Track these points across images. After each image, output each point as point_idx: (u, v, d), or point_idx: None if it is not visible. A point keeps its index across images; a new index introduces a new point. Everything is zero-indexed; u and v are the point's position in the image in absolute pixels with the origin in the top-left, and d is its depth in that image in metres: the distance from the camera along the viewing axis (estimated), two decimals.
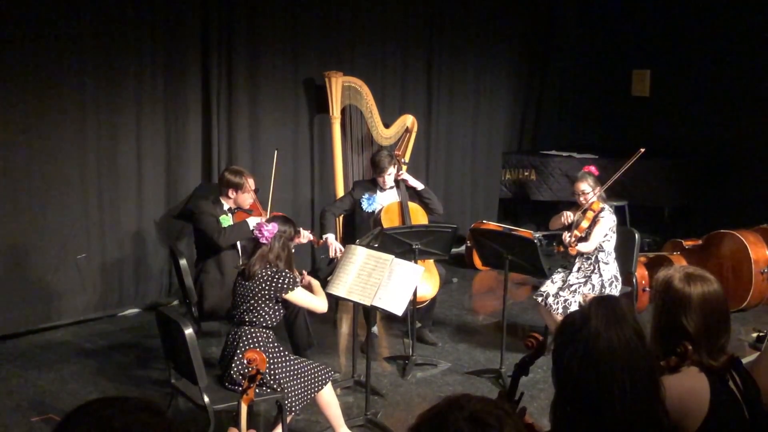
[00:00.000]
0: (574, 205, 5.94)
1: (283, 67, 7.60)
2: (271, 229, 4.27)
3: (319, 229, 6.35)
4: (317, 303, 4.43)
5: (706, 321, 2.52)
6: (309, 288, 4.51)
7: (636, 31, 10.00)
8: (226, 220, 5.56)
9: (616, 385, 2.01)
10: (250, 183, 5.64)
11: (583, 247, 5.65)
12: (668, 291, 2.58)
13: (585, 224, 5.69)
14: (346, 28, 8.03)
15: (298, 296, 4.31)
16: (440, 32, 8.89)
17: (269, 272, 4.23)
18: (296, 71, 7.71)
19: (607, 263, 5.70)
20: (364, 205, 6.27)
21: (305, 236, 5.52)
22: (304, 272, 4.74)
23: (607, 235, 5.68)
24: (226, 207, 5.62)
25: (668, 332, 2.55)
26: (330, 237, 6.12)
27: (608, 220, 5.67)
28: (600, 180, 5.86)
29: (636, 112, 10.06)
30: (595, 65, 10.34)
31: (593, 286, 5.66)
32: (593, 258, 5.72)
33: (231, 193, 5.59)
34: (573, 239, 5.61)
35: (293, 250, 5.26)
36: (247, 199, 5.64)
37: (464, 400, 1.61)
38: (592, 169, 5.91)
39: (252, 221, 5.45)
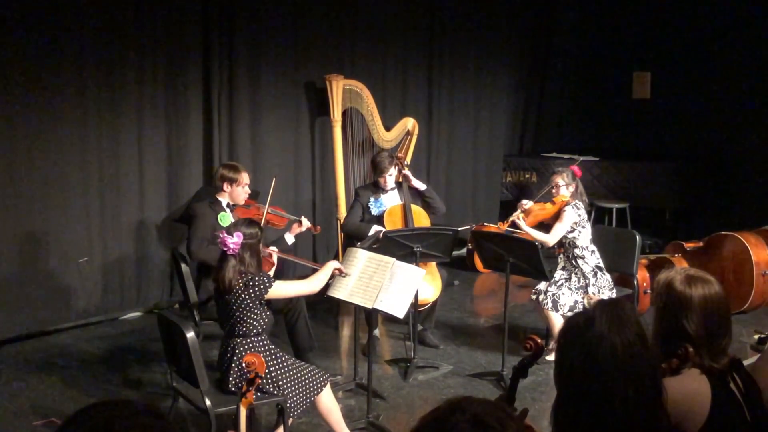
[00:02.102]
0: None
1: (284, 70, 7.61)
2: (236, 240, 4.13)
3: (358, 238, 6.11)
4: (300, 287, 4.43)
5: (707, 323, 2.52)
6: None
7: (637, 34, 10.01)
8: (226, 217, 5.57)
9: (618, 389, 2.01)
10: (245, 177, 5.68)
11: (541, 237, 5.77)
12: (669, 293, 2.58)
13: (536, 208, 5.84)
14: (347, 32, 8.04)
15: (280, 290, 4.28)
16: (441, 35, 8.90)
17: (243, 281, 4.14)
18: (297, 74, 7.72)
19: (583, 257, 5.81)
20: (373, 209, 6.26)
21: (305, 225, 5.56)
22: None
23: (575, 230, 5.79)
24: (224, 203, 5.64)
25: (669, 334, 2.55)
26: (375, 227, 6.06)
27: (570, 215, 5.77)
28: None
29: (637, 115, 10.07)
30: (595, 67, 10.35)
31: (577, 279, 5.80)
32: (570, 254, 5.86)
33: (226, 187, 5.62)
34: (516, 217, 5.77)
35: (292, 241, 5.26)
36: (241, 193, 5.67)
37: (466, 403, 1.61)
38: (575, 168, 6.02)
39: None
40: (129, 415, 1.49)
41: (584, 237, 5.82)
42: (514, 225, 5.82)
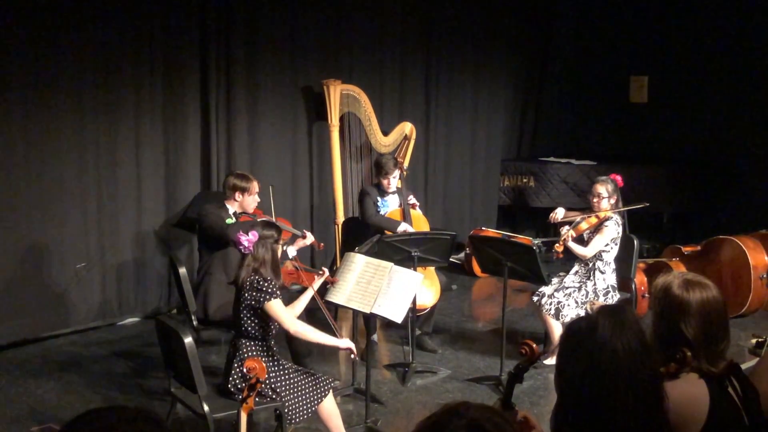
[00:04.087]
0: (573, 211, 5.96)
1: (281, 75, 7.62)
2: (251, 238, 4.19)
3: (388, 230, 6.11)
4: (286, 320, 4.22)
5: (705, 327, 2.52)
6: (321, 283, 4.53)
7: (634, 38, 10.02)
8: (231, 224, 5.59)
9: (620, 394, 2.01)
10: (255, 186, 5.70)
11: (580, 250, 5.68)
12: (667, 297, 2.59)
13: (584, 226, 5.69)
14: (344, 36, 8.05)
15: (275, 311, 4.17)
16: (438, 40, 8.91)
17: (249, 281, 4.18)
18: (295, 79, 7.72)
19: (603, 272, 5.72)
20: (380, 208, 6.28)
21: (309, 238, 5.58)
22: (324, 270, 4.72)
23: (608, 245, 5.70)
24: (231, 211, 5.65)
25: (667, 339, 2.55)
26: (406, 226, 6.07)
27: (612, 231, 5.67)
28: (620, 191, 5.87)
29: (634, 119, 10.08)
30: (593, 72, 10.36)
31: (587, 292, 5.69)
32: (591, 264, 5.74)
33: (237, 196, 5.63)
34: (567, 236, 5.60)
35: (294, 254, 5.26)
36: (251, 202, 5.69)
37: (463, 408, 1.61)
38: (618, 178, 5.90)
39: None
40: (127, 421, 1.50)
41: (612, 253, 5.73)
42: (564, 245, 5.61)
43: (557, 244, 5.60)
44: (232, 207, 5.66)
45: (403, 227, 6.06)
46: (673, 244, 7.54)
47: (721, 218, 8.84)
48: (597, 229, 5.72)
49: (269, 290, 4.16)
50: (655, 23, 9.86)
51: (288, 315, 4.28)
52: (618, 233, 5.71)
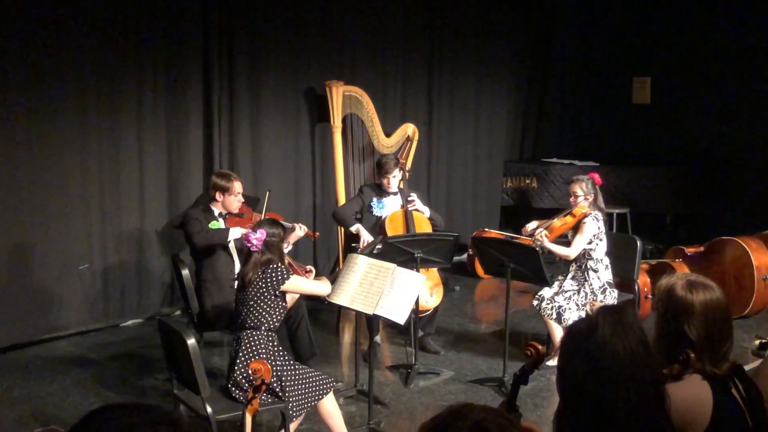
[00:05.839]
0: None
1: (284, 76, 7.62)
2: (260, 236, 4.30)
3: (342, 226, 6.37)
4: (317, 287, 4.59)
5: (708, 328, 2.52)
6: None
7: (636, 39, 10.03)
8: (217, 225, 5.58)
9: (622, 395, 2.00)
10: (237, 186, 5.66)
11: (561, 250, 5.69)
12: (670, 298, 2.58)
13: (558, 224, 5.71)
14: (347, 38, 8.06)
15: (296, 284, 4.38)
16: (441, 41, 8.91)
17: (261, 270, 4.29)
18: (297, 81, 7.73)
19: (596, 270, 5.70)
20: (375, 209, 6.28)
21: (302, 230, 5.58)
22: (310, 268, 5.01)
23: (592, 242, 5.69)
24: (216, 212, 5.63)
25: (671, 340, 2.55)
26: (359, 227, 6.16)
27: (591, 227, 5.66)
28: (601, 189, 5.86)
29: (637, 120, 10.08)
30: (595, 73, 10.36)
31: (586, 294, 5.68)
32: (583, 266, 5.74)
33: (218, 196, 5.62)
34: (540, 237, 5.60)
35: (289, 248, 5.33)
36: (234, 202, 5.66)
37: (467, 410, 1.61)
38: (596, 176, 5.90)
39: (234, 231, 5.51)
40: (150, 424, 1.42)
41: (600, 249, 5.71)
42: (538, 242, 5.62)
43: (526, 236, 5.67)
44: (216, 208, 5.64)
45: (355, 228, 6.16)
46: (676, 245, 7.53)
47: (724, 219, 8.83)
48: (577, 228, 5.73)
49: (282, 271, 4.29)
50: (658, 24, 9.86)
51: (311, 282, 4.60)
52: (599, 228, 5.69)
